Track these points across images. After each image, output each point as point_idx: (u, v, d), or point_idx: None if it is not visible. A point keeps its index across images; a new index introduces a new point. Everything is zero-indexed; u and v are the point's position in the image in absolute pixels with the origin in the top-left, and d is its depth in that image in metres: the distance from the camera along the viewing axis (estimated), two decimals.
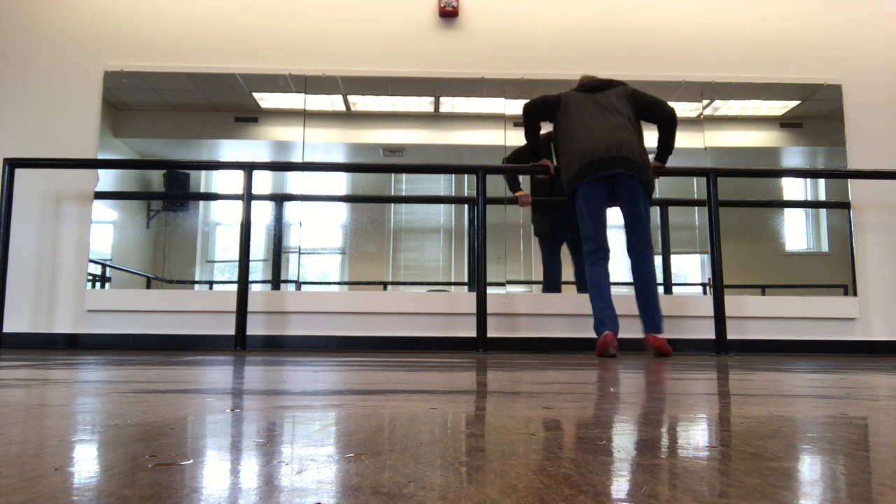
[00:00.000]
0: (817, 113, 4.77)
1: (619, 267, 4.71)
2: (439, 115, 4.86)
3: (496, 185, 4.44)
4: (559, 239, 4.34)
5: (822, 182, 4.76)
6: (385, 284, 4.69)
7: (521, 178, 4.40)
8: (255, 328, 4.27)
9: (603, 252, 3.42)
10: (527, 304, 4.31)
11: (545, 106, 3.56)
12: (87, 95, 4.55)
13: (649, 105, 3.54)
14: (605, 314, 3.30)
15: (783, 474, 0.55)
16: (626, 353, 3.97)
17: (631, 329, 3.95)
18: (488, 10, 4.77)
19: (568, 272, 4.41)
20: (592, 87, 3.58)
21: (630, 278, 3.48)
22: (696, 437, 0.77)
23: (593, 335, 4.18)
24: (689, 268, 4.81)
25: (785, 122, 4.82)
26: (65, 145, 4.47)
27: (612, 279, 4.55)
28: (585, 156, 3.34)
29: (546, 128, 3.81)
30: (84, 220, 4.41)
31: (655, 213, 4.79)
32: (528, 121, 3.58)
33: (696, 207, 4.68)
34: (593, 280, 3.38)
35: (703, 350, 4.29)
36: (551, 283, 4.35)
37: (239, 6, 4.71)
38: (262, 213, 4.63)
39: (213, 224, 4.79)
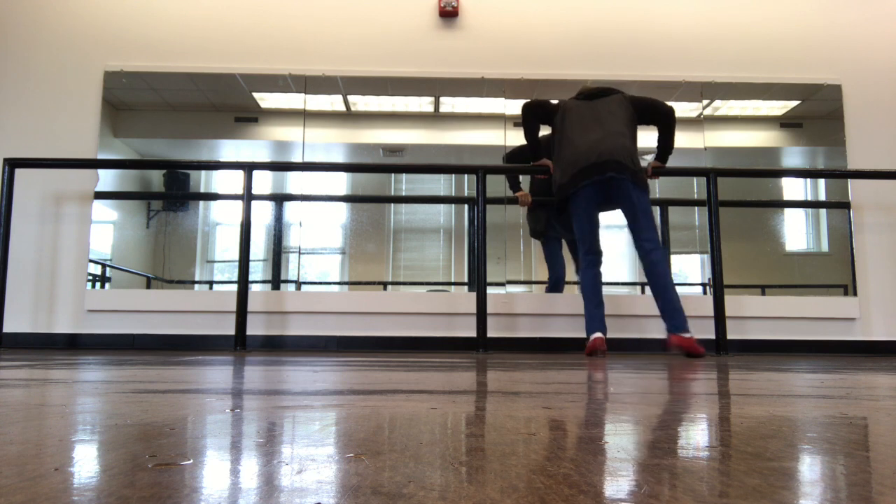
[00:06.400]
0: (817, 113, 4.77)
1: (620, 267, 4.71)
2: (439, 115, 4.86)
3: (496, 185, 4.44)
4: (556, 238, 4.31)
5: (821, 182, 4.76)
6: (385, 284, 4.69)
7: (521, 177, 4.38)
8: (254, 328, 4.27)
9: (594, 256, 3.50)
10: (527, 304, 4.31)
11: (542, 109, 3.60)
12: (87, 95, 4.55)
13: (647, 108, 3.55)
14: (594, 316, 3.40)
15: (783, 474, 0.55)
16: (626, 353, 3.97)
17: (626, 329, 3.94)
18: (488, 10, 4.77)
19: (571, 272, 4.41)
20: (591, 94, 3.62)
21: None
22: (697, 436, 0.77)
23: None
24: (689, 268, 4.81)
25: (785, 122, 4.82)
26: (65, 145, 4.47)
27: (614, 279, 4.58)
28: (579, 161, 3.39)
29: (544, 130, 3.82)
30: (84, 220, 4.41)
31: (655, 213, 4.78)
32: (526, 120, 3.62)
33: (696, 207, 4.68)
34: (584, 283, 3.50)
35: None
36: (554, 283, 4.35)
37: (239, 6, 4.71)
38: (262, 213, 4.63)
39: (213, 224, 4.79)
